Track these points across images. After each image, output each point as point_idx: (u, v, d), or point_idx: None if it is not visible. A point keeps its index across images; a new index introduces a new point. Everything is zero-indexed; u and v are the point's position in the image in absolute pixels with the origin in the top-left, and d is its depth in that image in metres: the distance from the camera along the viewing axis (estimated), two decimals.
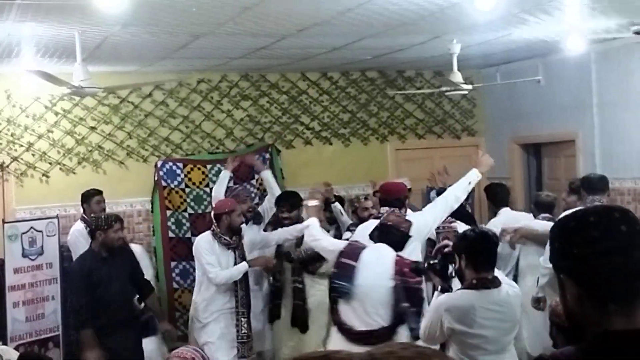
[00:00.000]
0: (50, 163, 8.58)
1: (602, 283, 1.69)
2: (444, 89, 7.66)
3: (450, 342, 4.24)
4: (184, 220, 8.86)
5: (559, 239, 1.78)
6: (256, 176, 9.19)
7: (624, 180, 8.34)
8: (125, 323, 6.26)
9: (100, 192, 7.83)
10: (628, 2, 5.85)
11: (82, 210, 7.86)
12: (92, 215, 7.08)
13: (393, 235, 5.18)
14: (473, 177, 5.89)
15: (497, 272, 4.45)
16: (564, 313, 1.76)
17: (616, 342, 1.66)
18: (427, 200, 9.41)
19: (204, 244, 6.50)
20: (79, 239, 7.41)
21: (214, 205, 6.98)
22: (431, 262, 4.63)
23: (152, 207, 8.80)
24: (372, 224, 5.64)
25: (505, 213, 7.20)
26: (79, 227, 7.61)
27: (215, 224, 6.57)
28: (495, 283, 4.20)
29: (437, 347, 4.19)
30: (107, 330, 6.11)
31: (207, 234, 6.59)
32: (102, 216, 6.50)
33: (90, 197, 7.76)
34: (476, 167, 6.00)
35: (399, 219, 5.37)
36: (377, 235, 5.25)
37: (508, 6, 5.85)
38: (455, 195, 5.81)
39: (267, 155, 9.30)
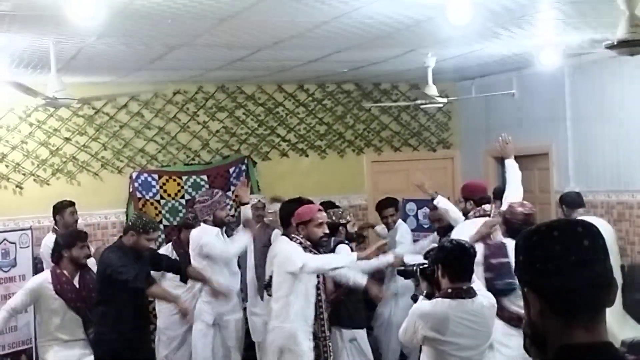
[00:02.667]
0: (24, 174, 8.51)
1: (564, 297, 1.70)
2: (419, 102, 7.71)
3: (423, 347, 4.34)
4: (159, 232, 8.82)
5: (522, 252, 1.79)
6: (232, 188, 9.19)
7: (597, 193, 8.43)
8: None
9: (73, 204, 7.77)
10: (600, 17, 5.93)
11: (54, 222, 7.79)
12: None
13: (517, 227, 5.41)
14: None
15: (475, 283, 4.50)
16: (528, 326, 1.78)
17: (577, 356, 1.68)
18: (404, 212, 9.46)
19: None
20: (49, 250, 7.35)
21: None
22: (422, 265, 4.61)
23: (126, 219, 8.75)
24: (470, 224, 6.07)
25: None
26: (51, 239, 7.55)
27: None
28: (470, 293, 4.26)
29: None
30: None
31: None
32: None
33: (64, 208, 7.70)
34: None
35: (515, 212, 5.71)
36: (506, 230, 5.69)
37: (482, 20, 5.91)
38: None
39: (243, 167, 9.30)
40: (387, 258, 6.48)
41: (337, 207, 7.65)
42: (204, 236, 6.82)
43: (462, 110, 10.43)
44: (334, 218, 6.69)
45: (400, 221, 8.15)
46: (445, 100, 7.72)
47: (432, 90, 7.54)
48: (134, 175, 8.81)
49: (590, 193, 8.52)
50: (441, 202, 6.77)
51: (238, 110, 9.51)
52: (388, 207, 8.03)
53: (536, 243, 1.75)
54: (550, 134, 9.00)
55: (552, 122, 8.94)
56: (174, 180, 9.02)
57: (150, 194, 8.87)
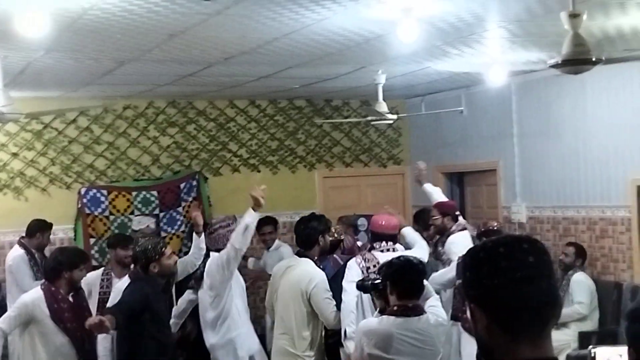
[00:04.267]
0: None
1: (511, 313, 1.73)
2: (369, 118, 7.77)
3: None
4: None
5: (469, 269, 1.82)
6: (183, 203, 9.14)
7: (543, 209, 8.59)
8: None
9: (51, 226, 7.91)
10: (545, 36, 6.07)
11: (29, 237, 7.73)
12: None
13: None
14: None
15: (432, 298, 4.54)
16: (476, 342, 1.81)
17: None
18: (355, 227, 9.51)
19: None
20: (21, 264, 7.41)
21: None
22: (375, 281, 4.61)
23: (75, 235, 8.64)
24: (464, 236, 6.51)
25: None
26: (19, 252, 7.50)
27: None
28: (417, 311, 4.27)
29: None
30: None
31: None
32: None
33: (48, 228, 7.81)
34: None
35: None
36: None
37: (430, 38, 6.00)
38: None
39: (194, 183, 9.26)
40: None
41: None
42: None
43: (412, 127, 10.54)
44: (336, 235, 6.33)
45: (279, 242, 8.31)
46: (395, 117, 7.79)
47: (382, 107, 7.60)
48: (83, 191, 8.70)
49: (536, 209, 8.69)
50: (428, 187, 7.59)
51: (189, 125, 9.47)
52: (264, 225, 8.06)
53: (483, 259, 1.78)
54: (497, 151, 9.16)
55: (500, 138, 9.09)
56: (124, 195, 8.92)
57: (99, 210, 8.76)
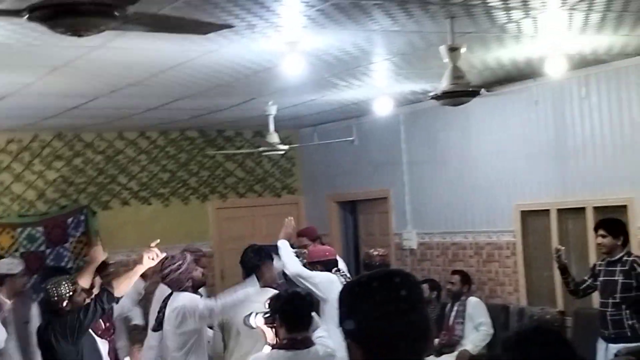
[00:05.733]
0: None
1: (386, 346, 1.76)
2: (261, 149, 7.78)
3: None
4: None
5: (344, 303, 1.84)
6: (70, 239, 8.88)
7: (433, 235, 8.78)
8: None
9: None
10: (429, 68, 6.24)
11: None
12: None
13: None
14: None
15: (320, 329, 4.53)
16: None
17: None
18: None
19: None
20: None
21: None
22: (265, 314, 4.55)
23: None
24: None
25: None
26: None
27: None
28: (306, 343, 4.26)
29: None
30: None
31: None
32: None
33: None
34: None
35: None
36: None
37: (318, 71, 6.09)
38: None
39: (82, 217, 9.01)
40: None
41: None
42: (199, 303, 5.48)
43: (305, 157, 10.62)
44: None
45: None
46: (286, 147, 7.82)
47: (273, 138, 7.62)
48: None
49: (426, 235, 8.88)
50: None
51: (76, 158, 9.23)
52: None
53: (357, 294, 1.81)
54: (388, 179, 9.32)
55: (390, 167, 9.27)
56: (8, 232, 8.61)
57: None
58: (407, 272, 1.89)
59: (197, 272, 5.68)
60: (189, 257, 5.52)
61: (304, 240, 7.20)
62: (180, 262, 5.46)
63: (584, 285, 6.14)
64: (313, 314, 4.58)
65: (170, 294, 5.55)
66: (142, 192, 9.65)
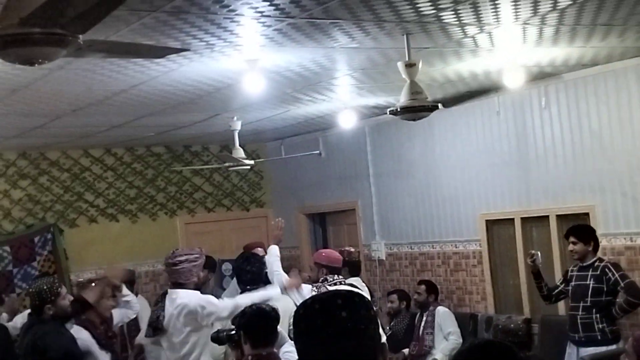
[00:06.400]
0: None
1: None
2: (227, 164, 7.79)
3: None
4: None
5: (293, 324, 1.88)
6: (38, 258, 8.83)
7: (401, 245, 8.84)
8: None
9: None
10: (390, 82, 6.30)
11: None
12: None
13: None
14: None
15: (287, 344, 4.55)
16: None
17: None
18: (220, 273, 9.46)
19: None
20: None
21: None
22: (231, 331, 4.55)
23: None
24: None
25: None
26: None
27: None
28: (271, 359, 4.27)
29: None
30: None
31: None
32: None
33: None
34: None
35: None
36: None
37: (280, 86, 6.13)
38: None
39: (49, 236, 8.96)
40: None
41: None
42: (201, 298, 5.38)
43: (273, 170, 10.64)
44: None
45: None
46: (252, 162, 7.85)
47: (239, 153, 7.65)
48: None
49: (394, 246, 8.94)
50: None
51: (42, 177, 9.17)
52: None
53: (302, 316, 1.84)
54: (356, 191, 9.38)
55: (357, 179, 9.32)
56: None
57: None
58: (354, 293, 1.91)
59: (203, 274, 5.85)
60: (204, 256, 5.55)
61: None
62: (197, 255, 5.46)
63: (557, 290, 6.25)
64: (279, 329, 4.60)
65: (162, 295, 5.48)
66: (110, 209, 9.61)
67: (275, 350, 4.44)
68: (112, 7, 2.39)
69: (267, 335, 4.36)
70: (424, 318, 7.66)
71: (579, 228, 6.18)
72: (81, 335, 5.11)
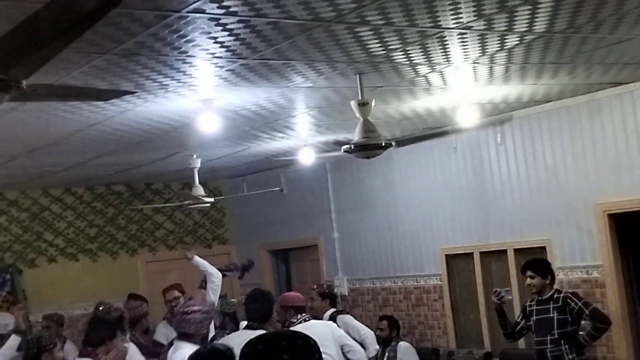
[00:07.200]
0: None
1: None
2: (186, 202, 7.77)
3: None
4: None
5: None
6: None
7: (363, 280, 8.86)
8: None
9: None
10: (348, 120, 6.33)
11: None
12: None
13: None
14: None
15: None
16: None
17: None
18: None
19: None
20: None
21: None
22: None
23: None
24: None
25: None
26: None
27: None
28: None
29: None
30: None
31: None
32: None
33: None
34: None
35: None
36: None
37: (237, 125, 6.16)
38: None
39: (8, 276, 8.83)
40: None
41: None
42: None
43: (235, 206, 10.62)
44: None
45: None
46: (212, 199, 7.84)
47: (199, 190, 7.63)
48: None
49: (357, 281, 8.95)
50: (197, 259, 7.25)
51: (0, 217, 9.06)
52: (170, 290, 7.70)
53: (246, 355, 1.86)
54: (318, 227, 9.40)
55: (319, 215, 9.35)
56: None
57: None
58: (299, 335, 1.93)
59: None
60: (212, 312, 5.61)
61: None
62: (209, 309, 5.45)
63: (519, 327, 6.19)
64: None
65: (169, 345, 5.48)
66: (69, 248, 9.51)
67: None
68: (54, 52, 2.39)
69: None
70: (387, 354, 7.65)
71: (535, 262, 6.21)
72: None
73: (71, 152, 6.64)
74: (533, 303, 6.10)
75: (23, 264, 9.14)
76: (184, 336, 5.26)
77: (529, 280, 6.05)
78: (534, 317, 6.04)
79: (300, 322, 5.78)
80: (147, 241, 10.12)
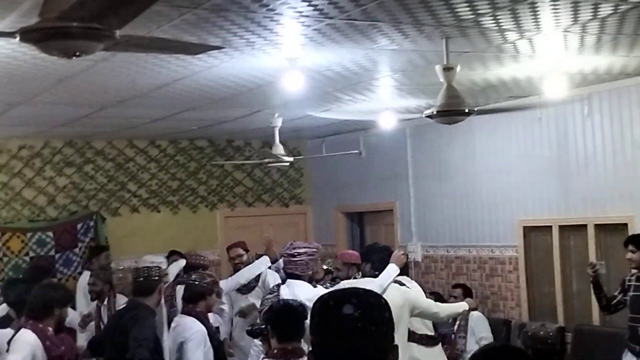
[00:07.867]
0: None
1: None
2: (266, 160, 7.86)
3: None
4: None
5: (310, 318, 1.92)
6: (79, 244, 9.01)
7: (437, 248, 8.84)
8: None
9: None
10: (431, 85, 6.29)
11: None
12: None
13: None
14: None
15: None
16: None
17: None
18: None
19: None
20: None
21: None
22: (262, 325, 4.63)
23: None
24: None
25: None
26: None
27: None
28: (296, 354, 4.31)
29: None
30: None
31: None
32: None
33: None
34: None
35: None
36: None
37: (321, 85, 6.17)
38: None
39: (92, 223, 9.14)
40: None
41: None
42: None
43: (313, 168, 10.70)
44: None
45: None
46: (291, 159, 7.91)
47: (279, 149, 7.71)
48: None
49: (431, 248, 8.94)
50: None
51: (87, 165, 9.37)
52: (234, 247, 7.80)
53: (317, 310, 1.88)
54: (394, 192, 9.39)
55: (396, 180, 9.33)
56: (18, 237, 8.75)
57: None
58: (370, 293, 1.93)
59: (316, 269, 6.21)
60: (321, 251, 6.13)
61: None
62: (315, 249, 5.94)
63: (615, 300, 6.11)
64: (307, 323, 4.65)
65: (278, 285, 5.88)
66: (152, 199, 9.77)
67: (302, 345, 4.50)
68: (148, 3, 2.46)
69: (293, 330, 4.40)
70: (457, 322, 7.63)
71: (638, 236, 6.07)
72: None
73: (157, 106, 6.79)
74: (632, 278, 5.97)
75: (107, 212, 9.44)
76: (292, 276, 5.79)
77: (629, 255, 5.94)
78: (631, 293, 5.91)
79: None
80: (226, 197, 10.31)
